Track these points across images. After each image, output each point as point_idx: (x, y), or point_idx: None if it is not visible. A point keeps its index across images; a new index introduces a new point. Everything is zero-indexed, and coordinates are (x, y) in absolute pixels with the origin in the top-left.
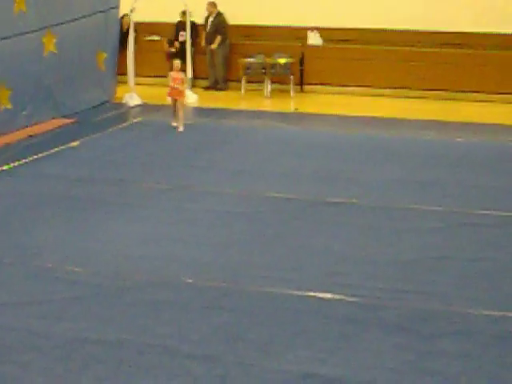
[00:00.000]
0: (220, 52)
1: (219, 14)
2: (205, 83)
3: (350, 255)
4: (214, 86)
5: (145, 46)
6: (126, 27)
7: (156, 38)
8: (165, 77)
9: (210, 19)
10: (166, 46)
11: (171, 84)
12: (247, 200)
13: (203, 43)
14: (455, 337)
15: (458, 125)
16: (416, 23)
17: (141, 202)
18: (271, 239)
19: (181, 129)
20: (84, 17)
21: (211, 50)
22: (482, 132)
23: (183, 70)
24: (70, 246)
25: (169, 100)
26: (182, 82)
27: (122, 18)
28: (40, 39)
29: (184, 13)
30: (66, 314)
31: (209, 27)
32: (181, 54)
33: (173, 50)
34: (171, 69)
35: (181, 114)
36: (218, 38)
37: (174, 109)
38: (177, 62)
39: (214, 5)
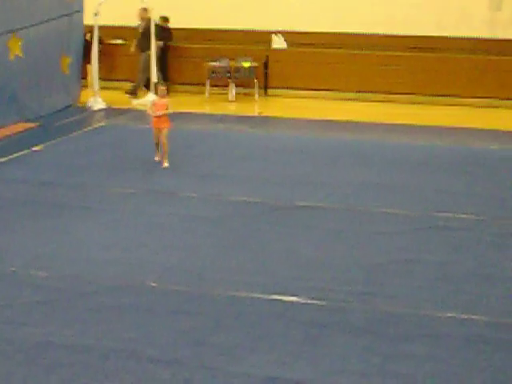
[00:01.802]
0: (144, 56)
1: (148, 20)
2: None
3: (316, 258)
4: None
5: (109, 50)
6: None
7: (120, 41)
8: (130, 81)
9: (142, 25)
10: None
11: (154, 112)
12: (212, 204)
13: (133, 49)
14: (422, 340)
15: (424, 128)
16: (381, 27)
17: (105, 206)
18: (236, 243)
19: (166, 164)
20: (48, 20)
21: (146, 55)
22: (448, 135)
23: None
24: (33, 250)
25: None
26: (167, 108)
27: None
28: (5, 43)
29: (163, 17)
30: (29, 319)
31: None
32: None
33: None
34: None
35: (166, 145)
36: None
37: (157, 140)
38: (162, 89)
39: (144, 10)
